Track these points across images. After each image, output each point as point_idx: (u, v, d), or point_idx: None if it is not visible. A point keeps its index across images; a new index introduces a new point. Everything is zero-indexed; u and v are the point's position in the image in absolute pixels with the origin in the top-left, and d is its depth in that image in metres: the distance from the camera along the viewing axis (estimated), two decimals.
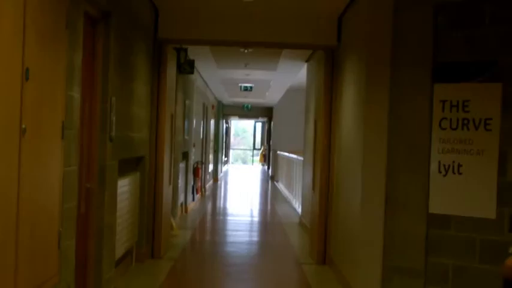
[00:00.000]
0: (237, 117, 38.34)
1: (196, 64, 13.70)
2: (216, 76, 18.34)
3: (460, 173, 6.42)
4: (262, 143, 41.11)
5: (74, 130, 5.26)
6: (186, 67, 11.73)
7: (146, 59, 8.85)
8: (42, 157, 4.47)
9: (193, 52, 12.11)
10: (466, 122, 6.40)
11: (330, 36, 9.27)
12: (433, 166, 6.56)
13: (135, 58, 8.03)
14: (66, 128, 4.98)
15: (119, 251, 7.62)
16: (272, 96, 24.70)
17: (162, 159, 9.54)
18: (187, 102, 14.10)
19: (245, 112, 32.72)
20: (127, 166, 8.09)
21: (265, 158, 37.20)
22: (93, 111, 6.29)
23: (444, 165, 6.51)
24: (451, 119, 6.50)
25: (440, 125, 6.54)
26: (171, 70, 10.12)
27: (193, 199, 16.83)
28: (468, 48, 6.44)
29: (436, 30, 6.66)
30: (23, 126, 4.02)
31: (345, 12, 8.75)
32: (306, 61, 13.61)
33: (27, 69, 4.07)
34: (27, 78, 4.06)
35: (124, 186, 7.79)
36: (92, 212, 6.31)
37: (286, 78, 17.84)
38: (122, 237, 7.79)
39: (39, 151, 4.40)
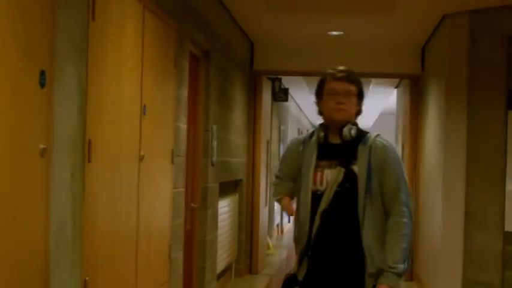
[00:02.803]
0: None
1: (290, 91, 14.39)
2: (310, 102, 18.89)
3: None
4: None
5: (181, 156, 6.03)
6: (281, 95, 12.47)
7: (243, 89, 9.61)
8: (156, 180, 5.24)
9: (287, 80, 12.81)
10: None
11: (414, 65, 9.84)
12: (509, 186, 7.05)
13: (232, 89, 8.80)
14: (175, 154, 5.75)
15: (220, 266, 8.35)
16: (365, 120, 25.16)
17: (259, 182, 10.26)
18: (282, 127, 14.82)
19: None
20: (226, 188, 8.83)
21: None
22: (197, 139, 7.06)
23: None
24: None
25: None
26: (266, 98, 10.86)
27: (288, 221, 17.46)
28: None
29: (510, 60, 7.18)
30: (142, 153, 4.80)
31: (428, 42, 9.32)
32: (396, 87, 14.13)
33: (145, 106, 4.84)
34: (144, 114, 4.84)
35: (224, 206, 8.54)
36: (196, 228, 7.06)
37: (377, 103, 18.34)
38: (223, 253, 8.53)
39: (154, 175, 5.17)
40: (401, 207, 3.54)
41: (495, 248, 7.11)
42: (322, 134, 3.70)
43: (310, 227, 3.60)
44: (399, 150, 11.99)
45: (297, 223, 3.71)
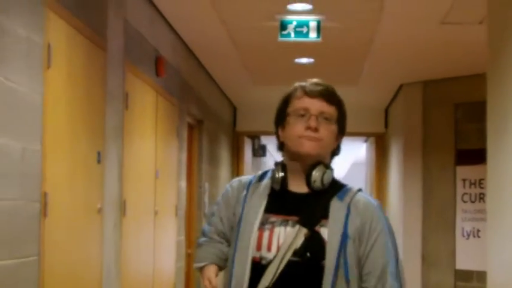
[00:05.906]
0: None
1: (268, 147, 15.59)
2: None
3: (479, 237, 8.14)
4: None
5: (182, 210, 7.22)
6: (259, 151, 13.72)
7: (227, 148, 10.84)
8: (166, 230, 6.43)
9: (265, 137, 14.02)
10: (482, 196, 8.14)
11: (378, 125, 11.14)
12: (458, 231, 8.30)
13: (219, 148, 10.02)
14: (178, 208, 6.94)
15: None
16: (337, 170, 26.33)
17: None
18: None
19: None
20: None
21: None
22: (192, 195, 8.25)
23: (466, 231, 8.26)
24: (470, 194, 8.27)
25: (462, 198, 8.32)
26: (247, 155, 12.13)
27: None
28: (481, 137, 8.22)
29: (457, 123, 8.48)
30: (156, 209, 5.99)
31: (389, 106, 10.64)
32: (365, 141, 15.44)
33: (158, 171, 6.05)
34: (157, 177, 6.05)
35: None
36: (191, 271, 8.20)
37: (348, 155, 19.60)
38: None
39: (164, 226, 6.36)
40: None
41: (448, 284, 8.33)
42: (280, 175, 2.45)
43: None
44: None
45: None
